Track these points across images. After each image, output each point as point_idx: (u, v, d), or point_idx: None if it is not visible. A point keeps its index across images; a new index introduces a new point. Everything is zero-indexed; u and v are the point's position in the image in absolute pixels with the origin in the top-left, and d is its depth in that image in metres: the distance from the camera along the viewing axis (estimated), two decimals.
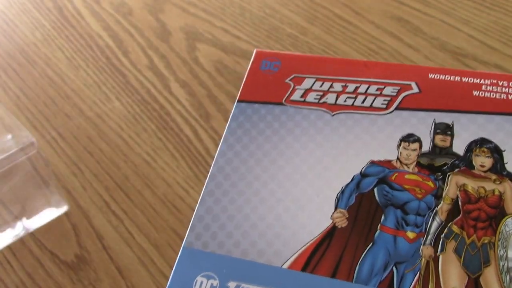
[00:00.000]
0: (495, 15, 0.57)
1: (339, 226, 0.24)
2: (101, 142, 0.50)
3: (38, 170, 0.42)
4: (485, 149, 0.24)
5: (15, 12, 0.65)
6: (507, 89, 0.26)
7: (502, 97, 0.26)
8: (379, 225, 0.23)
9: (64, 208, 0.45)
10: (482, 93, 0.26)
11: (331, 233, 0.24)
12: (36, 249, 0.43)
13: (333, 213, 0.24)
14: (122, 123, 0.52)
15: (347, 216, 0.24)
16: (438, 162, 0.24)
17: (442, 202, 0.23)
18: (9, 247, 0.44)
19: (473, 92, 0.26)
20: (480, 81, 0.27)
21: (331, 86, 0.28)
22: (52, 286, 0.41)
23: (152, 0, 0.65)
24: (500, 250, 0.21)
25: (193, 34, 0.60)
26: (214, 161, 0.28)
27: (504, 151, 0.24)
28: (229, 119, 0.28)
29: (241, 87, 0.29)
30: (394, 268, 0.22)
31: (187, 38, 0.59)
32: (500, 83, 0.26)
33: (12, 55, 0.60)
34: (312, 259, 0.23)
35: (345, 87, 0.28)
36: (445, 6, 0.59)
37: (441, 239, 0.22)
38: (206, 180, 0.27)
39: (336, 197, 0.25)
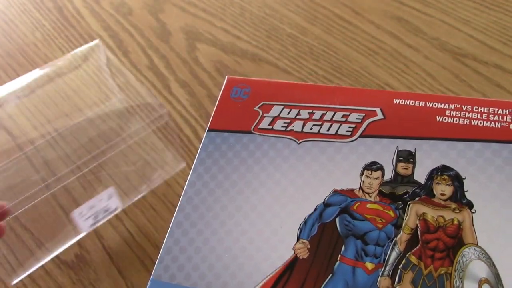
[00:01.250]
0: (495, 15, 0.57)
1: (301, 257, 0.24)
2: (101, 142, 0.50)
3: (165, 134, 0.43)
4: (446, 177, 0.24)
5: (15, 12, 0.65)
6: (470, 114, 0.26)
7: (465, 122, 0.25)
8: (339, 255, 0.23)
9: (181, 165, 0.46)
10: (445, 119, 0.26)
11: (292, 264, 0.23)
12: (34, 247, 0.43)
13: (295, 244, 0.24)
14: (122, 123, 0.52)
15: (309, 247, 0.24)
16: (399, 191, 0.24)
17: (401, 231, 0.23)
18: (9, 246, 0.44)
19: (437, 117, 0.26)
20: (444, 105, 0.26)
21: (298, 113, 0.28)
22: (52, 286, 0.41)
23: (152, 0, 0.65)
24: (456, 281, 0.21)
25: (193, 34, 0.60)
26: (183, 191, 0.27)
27: (465, 178, 0.23)
28: (199, 149, 0.28)
29: (212, 116, 0.29)
30: None
31: (187, 38, 0.59)
32: (464, 108, 0.26)
33: (12, 55, 0.60)
34: None
35: (311, 114, 0.27)
36: (445, 6, 0.59)
37: (399, 270, 0.22)
38: (176, 211, 0.27)
39: (299, 227, 0.24)
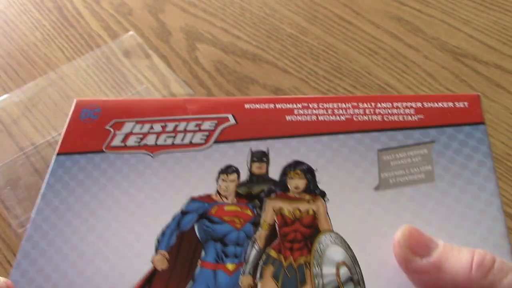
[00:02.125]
0: (495, 15, 0.57)
1: (160, 269, 0.23)
2: None
3: None
4: (299, 171, 0.25)
5: (15, 12, 0.65)
6: (317, 110, 0.27)
7: (312, 119, 0.27)
8: (199, 261, 0.23)
9: None
10: (294, 117, 0.27)
11: (151, 277, 0.23)
12: None
13: (153, 256, 0.23)
14: None
15: (168, 257, 0.23)
16: (255, 190, 0.24)
17: (260, 229, 0.23)
18: (9, 246, 0.44)
19: (286, 117, 0.27)
20: (292, 105, 0.27)
21: (151, 128, 0.27)
22: None
23: (152, 0, 0.65)
24: (315, 268, 0.22)
25: (193, 34, 0.60)
26: (31, 220, 0.26)
27: (316, 170, 0.25)
28: (47, 175, 0.27)
29: (60, 140, 0.28)
30: None
31: (187, 38, 0.59)
32: (311, 106, 0.27)
33: (12, 55, 0.60)
34: None
35: (164, 127, 0.27)
36: (445, 6, 0.59)
37: (260, 266, 0.22)
38: (22, 242, 0.25)
39: (157, 239, 0.24)
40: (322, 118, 0.27)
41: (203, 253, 0.23)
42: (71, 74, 0.56)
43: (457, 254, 0.22)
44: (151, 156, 0.26)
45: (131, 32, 0.52)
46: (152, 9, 0.63)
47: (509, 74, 0.51)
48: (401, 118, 0.25)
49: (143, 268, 0.23)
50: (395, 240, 0.22)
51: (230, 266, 0.22)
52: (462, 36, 0.55)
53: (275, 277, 0.22)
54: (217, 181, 0.25)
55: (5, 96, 0.52)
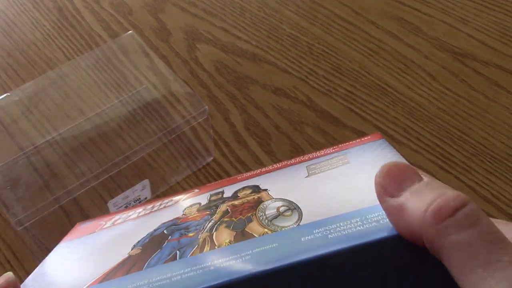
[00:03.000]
0: (495, 15, 0.57)
1: (134, 254, 0.28)
2: (101, 142, 0.50)
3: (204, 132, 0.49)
4: (246, 189, 0.32)
5: (15, 12, 0.65)
6: (259, 170, 0.35)
7: (255, 172, 0.35)
8: (166, 241, 0.28)
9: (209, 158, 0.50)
10: (242, 176, 0.35)
11: (124, 261, 0.27)
12: (36, 249, 0.43)
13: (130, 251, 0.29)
14: (122, 123, 0.52)
15: (141, 247, 0.29)
16: (212, 204, 0.31)
17: (216, 214, 0.30)
18: (9, 246, 0.44)
19: (237, 177, 0.34)
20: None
21: (134, 212, 0.35)
22: None
23: (152, 0, 0.65)
24: (259, 213, 0.28)
25: (193, 34, 0.60)
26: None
27: (260, 184, 0.32)
28: (47, 256, 0.31)
29: (63, 238, 0.34)
30: (177, 251, 0.27)
31: (187, 38, 0.59)
32: (254, 171, 0.35)
33: (12, 55, 0.60)
34: (106, 278, 0.26)
35: (145, 208, 0.35)
36: (445, 6, 0.59)
37: (215, 227, 0.28)
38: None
39: (133, 245, 0.29)
40: (263, 170, 0.35)
41: (169, 237, 0.29)
42: (71, 74, 0.56)
43: (425, 194, 0.19)
44: (133, 221, 0.33)
45: (130, 32, 0.52)
46: (152, 9, 0.63)
47: (509, 74, 0.51)
48: (322, 153, 0.33)
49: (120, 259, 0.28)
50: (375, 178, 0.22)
51: (191, 234, 0.28)
52: (462, 36, 0.55)
53: (228, 226, 0.27)
54: (182, 212, 0.32)
55: (4, 95, 0.52)
